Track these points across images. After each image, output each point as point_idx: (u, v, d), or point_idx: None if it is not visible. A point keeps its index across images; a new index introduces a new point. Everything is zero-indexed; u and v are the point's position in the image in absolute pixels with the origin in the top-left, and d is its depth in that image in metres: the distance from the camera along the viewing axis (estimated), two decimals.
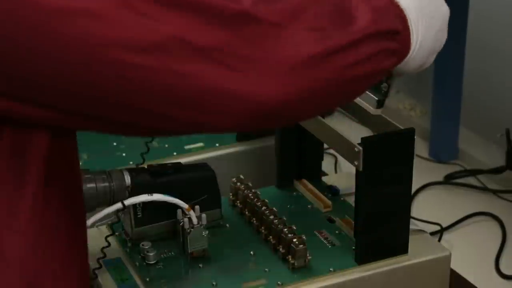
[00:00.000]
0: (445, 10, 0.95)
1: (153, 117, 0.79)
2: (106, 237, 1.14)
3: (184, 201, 1.13)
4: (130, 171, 1.15)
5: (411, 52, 0.90)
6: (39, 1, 0.71)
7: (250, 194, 1.22)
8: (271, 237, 1.15)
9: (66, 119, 0.79)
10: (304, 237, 1.12)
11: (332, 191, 1.29)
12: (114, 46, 0.74)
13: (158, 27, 0.75)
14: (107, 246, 1.13)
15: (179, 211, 1.15)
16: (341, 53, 0.83)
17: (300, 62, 0.80)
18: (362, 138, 1.06)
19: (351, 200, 1.22)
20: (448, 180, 1.86)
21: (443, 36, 0.95)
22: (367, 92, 1.03)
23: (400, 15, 0.89)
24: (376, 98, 1.03)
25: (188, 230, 1.13)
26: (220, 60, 0.77)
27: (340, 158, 1.76)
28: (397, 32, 0.88)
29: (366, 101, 1.04)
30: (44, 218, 0.82)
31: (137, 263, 1.14)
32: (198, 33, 0.76)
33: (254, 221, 1.20)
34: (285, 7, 0.81)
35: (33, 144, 0.80)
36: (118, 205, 1.11)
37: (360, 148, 1.06)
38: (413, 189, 1.45)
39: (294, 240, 1.11)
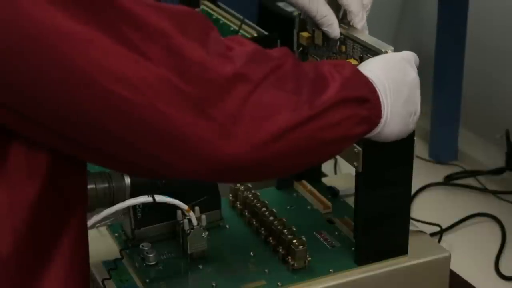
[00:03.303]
0: (412, 79, 0.98)
1: (119, 145, 0.80)
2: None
3: (184, 202, 1.13)
4: None
5: (382, 121, 0.95)
6: (37, 16, 0.73)
7: (250, 195, 1.22)
8: (271, 238, 1.15)
9: (41, 134, 0.80)
10: (304, 238, 1.12)
11: (332, 192, 1.29)
12: (105, 74, 0.76)
13: (149, 66, 0.77)
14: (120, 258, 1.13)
15: (179, 212, 1.15)
16: (314, 119, 0.87)
17: (277, 128, 0.84)
18: (361, 139, 1.06)
19: (351, 201, 1.23)
20: (448, 181, 1.86)
21: (415, 103, 1.00)
22: None
23: (368, 86, 0.93)
24: None
25: (188, 231, 1.13)
26: (201, 109, 0.79)
27: (339, 159, 1.75)
28: (366, 100, 0.92)
29: None
30: (47, 208, 0.84)
31: (137, 264, 1.14)
32: (187, 80, 0.78)
33: (254, 222, 1.20)
34: (271, 71, 0.84)
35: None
36: (118, 206, 1.11)
37: (360, 149, 1.06)
38: (413, 190, 1.45)
39: (294, 241, 1.11)
